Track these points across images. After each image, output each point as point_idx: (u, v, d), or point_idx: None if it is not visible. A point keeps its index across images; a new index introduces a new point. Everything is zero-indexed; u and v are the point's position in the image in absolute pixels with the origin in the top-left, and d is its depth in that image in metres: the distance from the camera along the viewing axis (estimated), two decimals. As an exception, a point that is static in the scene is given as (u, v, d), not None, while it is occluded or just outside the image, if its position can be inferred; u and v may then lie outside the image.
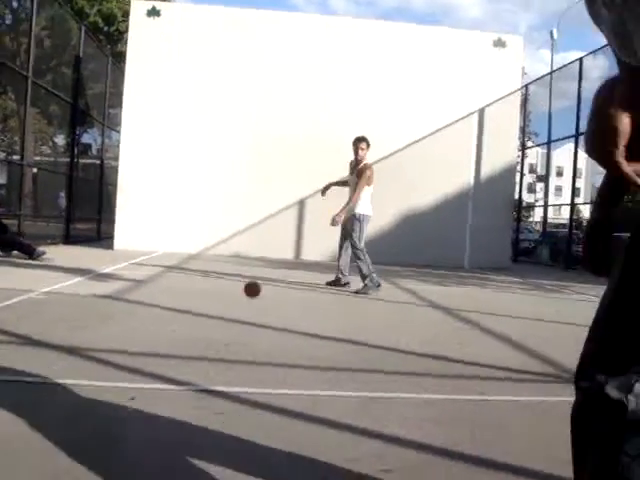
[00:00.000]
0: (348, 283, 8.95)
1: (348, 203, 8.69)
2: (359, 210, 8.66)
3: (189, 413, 3.00)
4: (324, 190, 9.38)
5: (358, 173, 8.75)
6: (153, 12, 14.68)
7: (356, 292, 8.49)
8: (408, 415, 3.21)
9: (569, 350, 5.21)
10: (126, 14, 19.49)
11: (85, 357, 4.02)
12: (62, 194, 17.13)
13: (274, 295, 8.14)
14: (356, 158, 8.91)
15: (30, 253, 10.25)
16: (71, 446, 2.51)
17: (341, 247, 9.01)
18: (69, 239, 15.06)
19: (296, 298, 8.05)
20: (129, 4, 16.08)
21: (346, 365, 4.27)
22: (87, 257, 11.75)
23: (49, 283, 7.35)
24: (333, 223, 8.73)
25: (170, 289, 8.11)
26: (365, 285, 8.51)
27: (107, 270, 9.46)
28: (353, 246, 8.69)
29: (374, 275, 8.58)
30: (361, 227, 8.66)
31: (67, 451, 2.45)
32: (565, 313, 7.98)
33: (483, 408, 3.43)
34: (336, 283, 9.03)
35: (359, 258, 8.57)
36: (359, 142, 8.88)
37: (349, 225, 8.72)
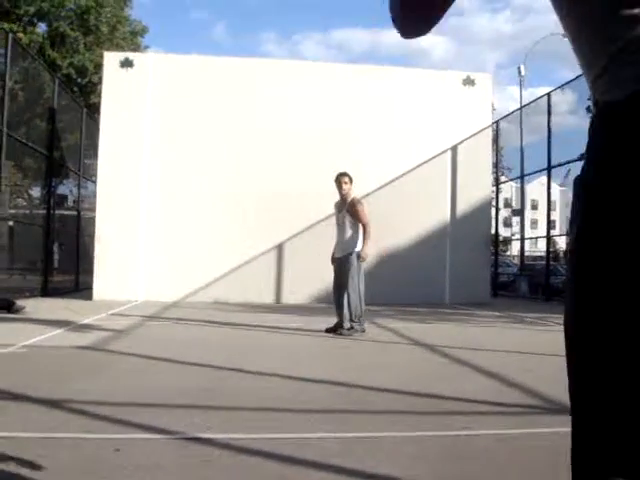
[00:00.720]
0: (352, 328, 8.48)
1: (365, 241, 8.47)
2: (354, 248, 8.44)
3: (175, 462, 2.99)
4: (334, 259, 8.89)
5: (349, 210, 8.53)
6: (126, 63, 14.80)
7: (340, 333, 8.37)
8: (394, 454, 3.21)
9: (551, 380, 5.24)
10: (98, 66, 19.66)
11: (68, 410, 3.99)
12: (55, 247, 17.19)
13: (256, 340, 8.14)
14: (341, 194, 8.73)
15: (8, 307, 10.14)
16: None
17: (337, 294, 8.62)
18: (47, 291, 14.93)
19: (277, 342, 8.04)
20: (101, 56, 16.21)
21: (329, 406, 4.27)
22: (66, 309, 11.65)
23: (29, 336, 7.28)
24: (363, 259, 8.53)
25: (150, 338, 8.06)
26: (351, 327, 8.38)
27: (87, 321, 9.39)
28: (346, 285, 8.38)
29: (362, 318, 8.48)
30: (358, 265, 8.43)
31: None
32: (545, 344, 8.01)
33: (469, 443, 3.44)
34: (336, 329, 8.55)
35: (350, 297, 8.35)
36: (341, 177, 8.73)
37: (343, 265, 8.49)
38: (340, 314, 8.52)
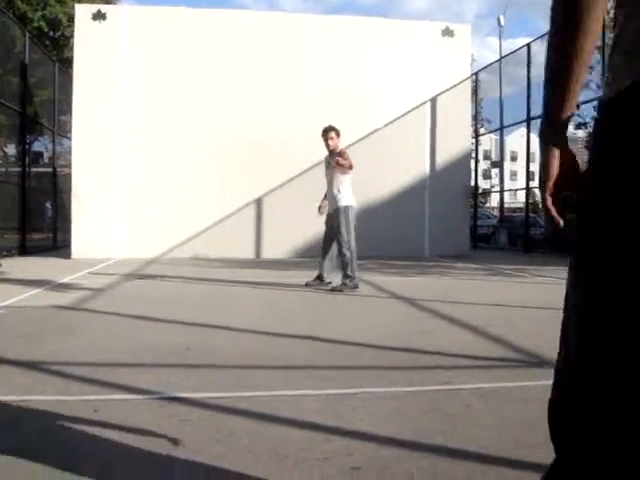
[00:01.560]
0: (330, 282, 8.47)
1: (332, 195, 8.34)
2: (343, 202, 8.28)
3: (152, 422, 2.96)
4: (321, 208, 8.72)
5: (335, 161, 8.31)
6: (98, 16, 14.48)
7: (332, 289, 8.29)
8: (375, 410, 3.20)
9: (531, 333, 5.28)
10: (71, 19, 19.16)
11: (45, 371, 3.94)
12: (48, 205, 17.04)
13: (235, 296, 8.11)
14: (328, 150, 8.55)
15: (-16, 267, 10.05)
16: (36, 464, 2.45)
17: (325, 249, 8.54)
18: (25, 250, 14.79)
19: (255, 298, 8.01)
20: (74, 9, 15.83)
21: (310, 363, 4.26)
22: (44, 268, 11.55)
23: (6, 297, 7.21)
24: (319, 211, 8.49)
25: (128, 296, 8.01)
26: (343, 283, 8.29)
27: (65, 280, 9.32)
28: (339, 242, 8.26)
29: (355, 274, 8.33)
30: (347, 220, 8.25)
31: (30, 469, 2.40)
32: (524, 296, 8.06)
33: (449, 398, 3.44)
34: (318, 280, 8.55)
35: (343, 254, 8.24)
36: (327, 133, 8.51)
37: (334, 221, 8.33)
38: (322, 266, 8.52)
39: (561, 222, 1.33)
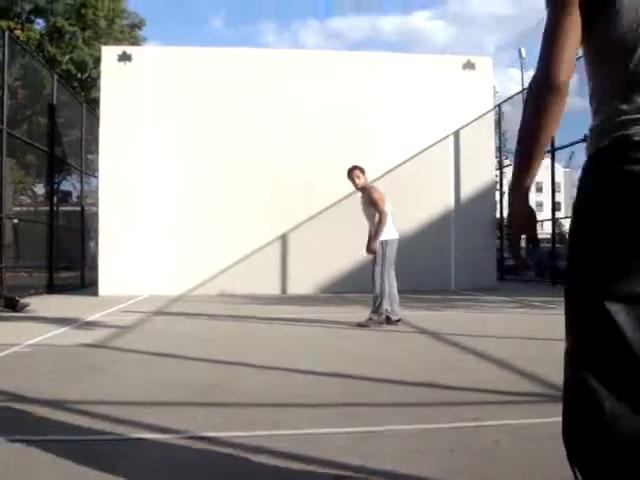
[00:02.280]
0: (399, 320, 8.35)
1: (376, 233, 8.14)
2: (383, 237, 8.16)
3: (179, 461, 2.95)
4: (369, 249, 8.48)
5: (367, 201, 8.32)
6: (124, 57, 14.75)
7: (358, 324, 8.25)
8: (402, 448, 3.16)
9: (560, 367, 5.19)
10: (97, 60, 19.56)
11: (74, 411, 3.95)
12: (92, 243, 17.27)
13: (261, 332, 8.11)
14: (357, 189, 8.55)
15: (13, 306, 10.13)
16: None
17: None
18: (53, 288, 14.92)
19: (281, 334, 8.00)
20: (100, 50, 16.14)
21: (336, 400, 4.23)
22: (72, 306, 11.65)
23: (34, 335, 7.26)
24: (369, 252, 8.31)
25: (156, 334, 8.03)
26: (370, 319, 8.23)
27: (92, 318, 9.37)
28: (373, 275, 8.20)
29: (385, 309, 8.19)
30: (383, 253, 8.15)
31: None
32: (554, 329, 7.95)
33: (478, 434, 3.39)
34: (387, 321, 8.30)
35: (375, 288, 8.15)
36: (351, 173, 8.47)
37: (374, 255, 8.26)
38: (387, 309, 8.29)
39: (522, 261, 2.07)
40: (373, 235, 8.20)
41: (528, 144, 1.75)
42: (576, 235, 1.72)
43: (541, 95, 1.68)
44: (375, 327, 8.12)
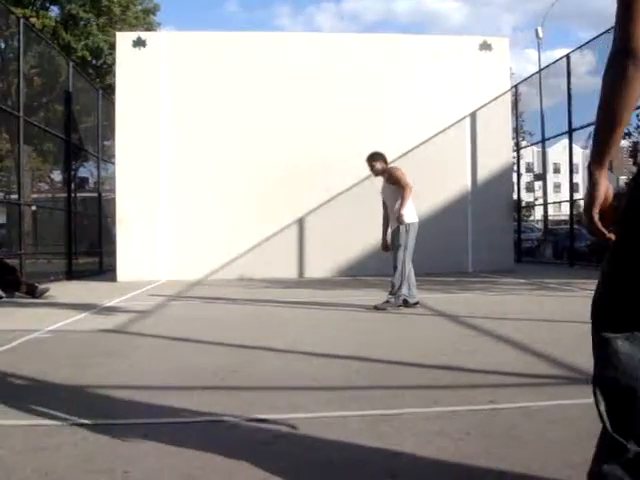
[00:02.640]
0: (417, 302, 8.42)
1: (402, 205, 8.10)
2: (407, 219, 8.15)
3: (201, 446, 2.98)
4: (385, 245, 8.66)
5: (389, 181, 8.32)
6: (139, 42, 14.75)
7: (375, 307, 8.27)
8: (419, 430, 3.18)
9: (577, 349, 5.20)
10: (112, 47, 19.58)
11: (95, 395, 4.00)
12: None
13: (279, 316, 8.14)
14: (376, 175, 8.59)
15: (33, 292, 10.23)
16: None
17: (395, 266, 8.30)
18: (72, 274, 15.04)
19: (299, 317, 8.03)
20: (115, 36, 16.16)
21: (353, 383, 4.25)
22: (90, 291, 11.75)
23: (54, 321, 7.34)
24: (385, 249, 8.48)
25: (174, 318, 8.09)
26: (387, 301, 8.25)
27: (111, 303, 9.45)
28: (395, 257, 8.19)
29: (403, 292, 8.21)
30: (407, 236, 8.15)
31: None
32: (571, 311, 7.94)
33: (494, 417, 3.40)
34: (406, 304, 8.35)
35: (396, 270, 8.15)
36: (368, 161, 8.50)
37: (394, 237, 8.29)
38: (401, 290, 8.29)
39: (607, 234, 1.82)
40: (399, 208, 8.12)
41: (616, 116, 1.75)
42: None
43: (626, 67, 1.69)
44: (392, 310, 8.14)
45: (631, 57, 1.68)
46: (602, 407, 1.87)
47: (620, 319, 1.84)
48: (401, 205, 8.13)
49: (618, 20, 1.72)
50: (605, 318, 1.88)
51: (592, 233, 1.85)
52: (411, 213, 8.27)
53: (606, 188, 1.82)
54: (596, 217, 1.80)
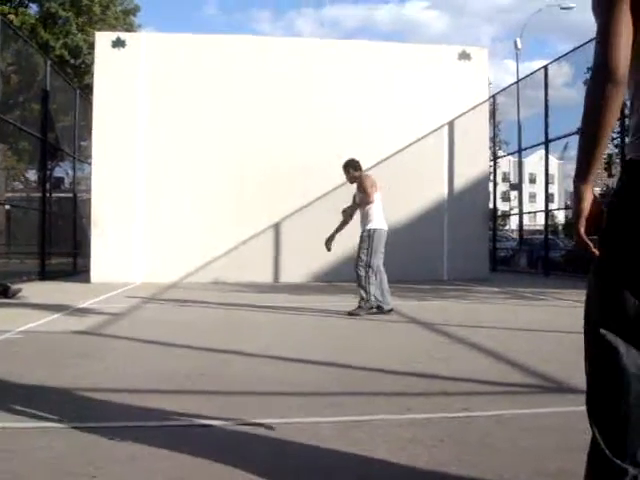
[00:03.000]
0: (391, 309, 8.49)
1: (361, 220, 8.50)
2: (368, 226, 8.33)
3: (168, 450, 2.95)
4: (329, 242, 8.87)
5: (359, 188, 8.53)
6: (118, 43, 14.67)
7: (349, 313, 8.28)
8: (391, 437, 3.17)
9: (550, 358, 5.22)
10: (92, 46, 19.45)
11: (62, 397, 3.95)
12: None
13: (251, 320, 8.12)
14: (352, 183, 8.76)
15: (5, 292, 10.10)
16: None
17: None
18: (45, 275, 14.89)
19: (272, 322, 8.01)
20: (94, 36, 16.06)
21: (326, 389, 4.23)
22: (64, 292, 11.62)
23: (25, 322, 7.25)
24: (328, 249, 8.65)
25: (147, 321, 8.03)
26: (359, 307, 8.30)
27: (84, 305, 9.36)
28: (357, 259, 8.34)
29: (373, 298, 8.30)
30: (370, 243, 8.27)
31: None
32: (545, 320, 8.00)
33: (467, 425, 3.40)
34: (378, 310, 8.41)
35: (358, 271, 8.26)
36: (344, 169, 8.74)
37: (360, 241, 8.41)
38: (375, 297, 8.39)
39: (592, 249, 1.85)
40: (353, 212, 8.57)
41: (597, 134, 1.80)
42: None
43: (605, 87, 1.75)
44: (366, 316, 8.15)
45: (609, 76, 1.73)
46: (597, 432, 1.86)
47: (615, 332, 1.85)
48: (351, 208, 8.54)
49: (597, 39, 1.79)
50: (602, 329, 1.88)
51: (579, 247, 1.87)
52: (379, 220, 8.41)
53: (591, 202, 1.86)
54: (582, 230, 1.84)
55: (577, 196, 1.86)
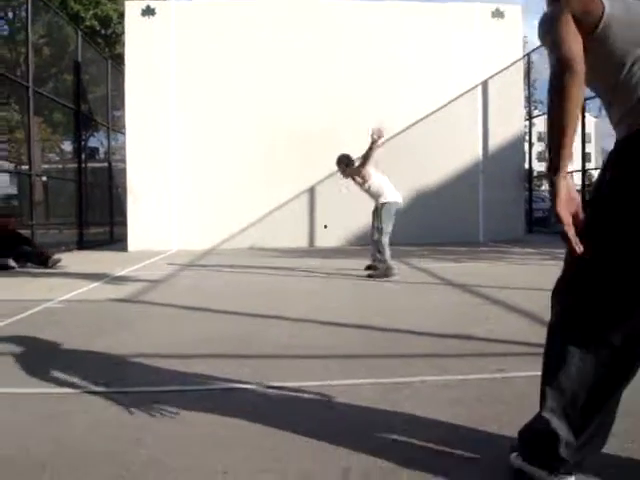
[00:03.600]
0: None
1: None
2: (381, 200, 8.59)
3: (211, 412, 3.00)
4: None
5: (358, 179, 8.84)
6: (148, 11, 14.65)
7: (369, 275, 8.53)
8: (429, 397, 3.20)
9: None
10: (122, 16, 19.44)
11: (105, 364, 4.03)
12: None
13: (288, 285, 8.15)
14: (346, 177, 9.06)
15: (45, 262, 10.27)
16: (111, 457, 2.52)
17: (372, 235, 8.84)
18: (83, 244, 15.10)
19: (310, 286, 8.03)
20: (124, 5, 16.05)
21: (365, 352, 4.27)
22: (102, 261, 11.78)
23: (66, 291, 7.38)
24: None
25: (185, 287, 8.11)
26: (378, 269, 8.56)
27: (122, 273, 9.48)
28: (379, 230, 8.60)
29: (388, 258, 8.51)
30: (387, 212, 8.58)
31: (105, 461, 2.46)
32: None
33: (505, 385, 3.41)
34: (371, 267, 8.88)
35: (380, 241, 8.52)
36: (337, 165, 9.07)
37: (377, 214, 8.70)
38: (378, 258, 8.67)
39: (576, 244, 1.99)
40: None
41: (563, 122, 1.92)
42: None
43: (564, 77, 1.89)
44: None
45: (567, 71, 1.89)
46: None
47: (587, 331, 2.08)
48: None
49: (554, 43, 1.98)
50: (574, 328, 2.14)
51: (564, 239, 2.01)
52: (385, 194, 8.64)
53: (568, 191, 1.98)
54: (566, 220, 1.97)
55: (553, 189, 1.97)
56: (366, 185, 8.67)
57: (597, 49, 1.98)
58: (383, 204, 8.55)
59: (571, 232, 1.98)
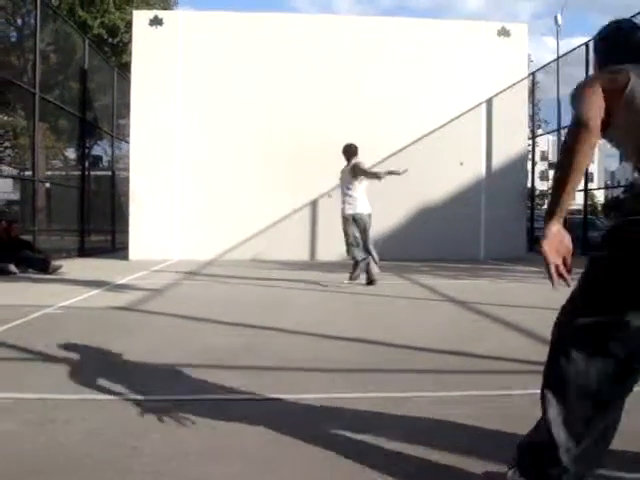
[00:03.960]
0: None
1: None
2: (358, 209, 9.41)
3: (208, 425, 3.00)
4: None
5: (353, 170, 9.56)
6: (155, 21, 14.72)
7: (367, 283, 9.10)
8: (428, 414, 3.18)
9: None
10: (129, 25, 19.53)
11: (104, 371, 4.02)
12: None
13: (289, 297, 8.15)
14: (348, 163, 9.80)
15: (45, 268, 10.28)
16: (108, 464, 2.52)
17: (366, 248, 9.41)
18: (84, 252, 15.11)
19: (309, 299, 8.04)
20: (131, 14, 16.13)
21: (364, 366, 4.25)
22: (103, 269, 11.79)
23: (66, 297, 7.38)
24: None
25: (185, 297, 8.12)
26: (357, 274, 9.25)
27: (123, 281, 9.49)
28: (366, 241, 9.36)
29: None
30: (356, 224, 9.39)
31: (102, 469, 2.46)
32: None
33: (506, 403, 3.40)
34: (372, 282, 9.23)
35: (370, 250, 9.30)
36: (344, 154, 9.97)
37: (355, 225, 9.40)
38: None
39: (567, 279, 2.19)
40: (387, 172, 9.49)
41: (571, 180, 2.05)
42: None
43: (579, 133, 2.03)
44: (398, 293, 8.44)
45: (583, 127, 2.01)
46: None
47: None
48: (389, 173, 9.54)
49: (576, 102, 2.11)
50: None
51: (550, 278, 2.15)
52: (364, 204, 9.42)
53: (558, 236, 2.13)
54: (550, 258, 2.13)
55: (546, 233, 2.12)
56: (351, 186, 9.36)
57: (627, 114, 2.08)
58: (359, 214, 9.30)
59: (552, 270, 2.13)
